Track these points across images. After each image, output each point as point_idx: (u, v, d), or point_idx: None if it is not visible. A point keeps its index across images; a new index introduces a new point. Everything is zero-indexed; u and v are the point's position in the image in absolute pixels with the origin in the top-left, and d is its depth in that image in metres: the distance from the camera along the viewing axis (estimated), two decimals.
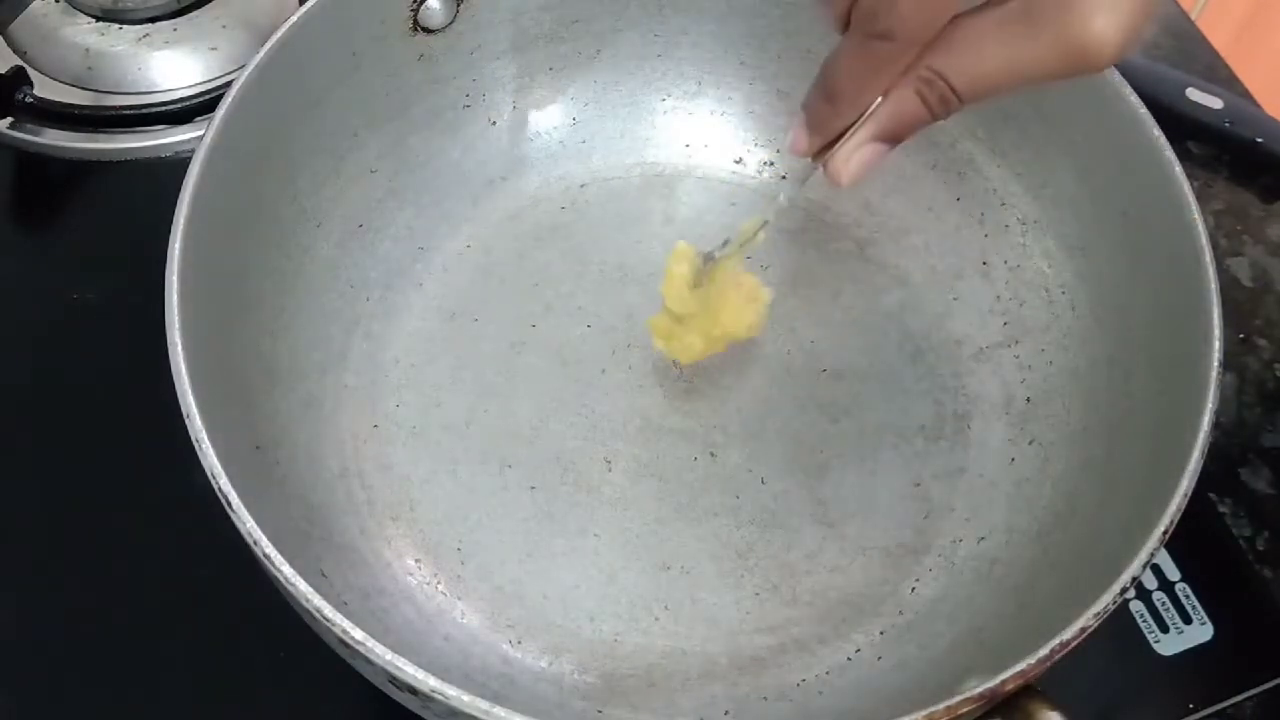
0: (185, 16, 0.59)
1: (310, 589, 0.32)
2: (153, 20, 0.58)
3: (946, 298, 0.50)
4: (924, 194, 0.51)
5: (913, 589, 0.44)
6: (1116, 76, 0.43)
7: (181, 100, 0.56)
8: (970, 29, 0.31)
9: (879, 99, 0.33)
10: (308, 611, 0.32)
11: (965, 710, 0.32)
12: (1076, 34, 0.29)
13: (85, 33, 0.58)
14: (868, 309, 0.50)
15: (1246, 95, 0.62)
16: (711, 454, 0.47)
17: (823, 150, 0.35)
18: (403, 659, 0.31)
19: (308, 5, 0.43)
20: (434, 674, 0.31)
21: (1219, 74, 0.63)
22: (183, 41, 0.58)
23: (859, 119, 0.34)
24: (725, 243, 0.43)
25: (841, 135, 0.34)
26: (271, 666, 0.43)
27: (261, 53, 0.42)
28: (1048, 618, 0.34)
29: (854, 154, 0.34)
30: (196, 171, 0.39)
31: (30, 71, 0.56)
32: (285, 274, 0.45)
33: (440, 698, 0.31)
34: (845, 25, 0.33)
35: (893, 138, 0.34)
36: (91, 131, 0.56)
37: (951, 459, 0.47)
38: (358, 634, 0.32)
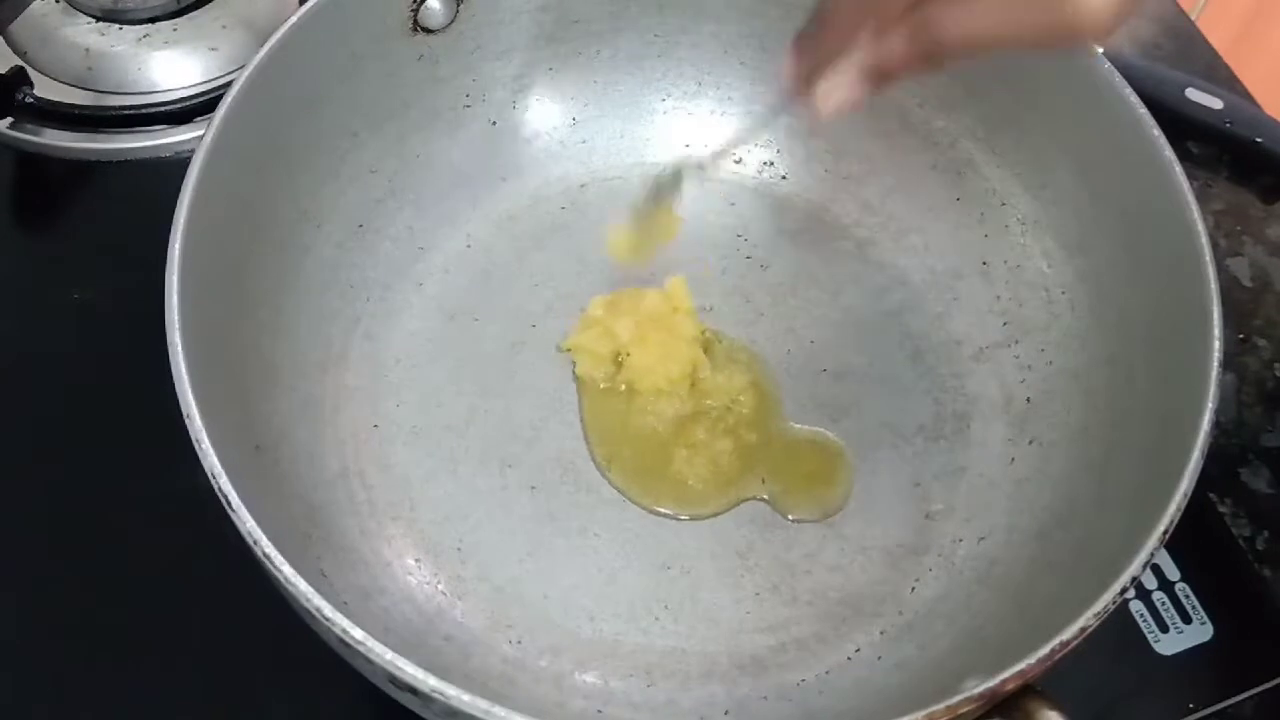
0: (185, 16, 0.59)
1: (310, 589, 0.32)
2: (153, 20, 0.58)
3: (946, 298, 0.50)
4: (924, 194, 0.51)
5: (913, 589, 0.44)
6: (1117, 77, 0.43)
7: (181, 100, 0.56)
8: None
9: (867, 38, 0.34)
10: (308, 611, 0.32)
11: (965, 710, 0.32)
12: (1071, 1, 0.30)
13: (85, 33, 0.58)
14: (868, 309, 0.50)
15: (1246, 95, 0.62)
16: None
17: (809, 85, 0.36)
18: (403, 659, 0.31)
19: (308, 5, 0.43)
20: (434, 674, 0.31)
21: (1219, 74, 0.63)
22: (183, 41, 0.58)
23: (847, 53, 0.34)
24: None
25: (829, 68, 0.35)
26: (271, 666, 0.43)
27: (261, 53, 0.42)
28: (1048, 618, 0.34)
29: (837, 87, 0.35)
30: (196, 171, 0.39)
31: (30, 71, 0.56)
32: (285, 274, 0.45)
33: (440, 698, 0.31)
34: None
35: (877, 77, 0.35)
36: (91, 131, 0.56)
37: (951, 459, 0.47)
38: (358, 634, 0.32)
